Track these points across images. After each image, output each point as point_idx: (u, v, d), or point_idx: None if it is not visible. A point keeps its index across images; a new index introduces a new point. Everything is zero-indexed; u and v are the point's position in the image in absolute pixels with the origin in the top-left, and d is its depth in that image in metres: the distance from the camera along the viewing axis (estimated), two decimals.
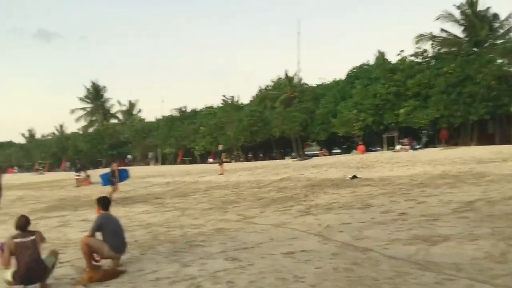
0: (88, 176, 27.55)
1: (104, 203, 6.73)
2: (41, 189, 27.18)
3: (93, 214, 13.15)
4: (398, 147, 33.57)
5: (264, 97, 47.83)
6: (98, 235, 6.54)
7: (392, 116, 34.74)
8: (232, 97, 51.15)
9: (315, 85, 48.42)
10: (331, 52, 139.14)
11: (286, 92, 45.63)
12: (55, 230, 10.50)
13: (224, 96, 51.38)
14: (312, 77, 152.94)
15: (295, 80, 49.10)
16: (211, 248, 7.44)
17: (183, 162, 52.27)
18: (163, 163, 55.09)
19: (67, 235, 9.84)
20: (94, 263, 6.32)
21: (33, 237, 5.68)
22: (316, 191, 14.11)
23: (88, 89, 71.29)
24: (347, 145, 49.10)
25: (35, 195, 22.93)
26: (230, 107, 48.32)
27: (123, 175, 17.49)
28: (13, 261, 5.62)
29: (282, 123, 41.61)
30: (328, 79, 48.45)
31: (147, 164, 56.67)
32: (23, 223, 5.76)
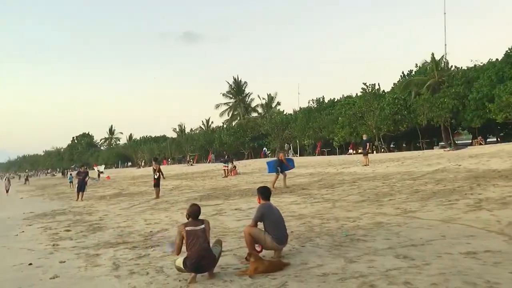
0: (235, 167, 28.70)
1: (264, 193, 6.57)
2: (193, 179, 29.13)
3: (244, 204, 13.50)
4: None
5: (408, 83, 44.88)
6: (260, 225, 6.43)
7: None
8: (373, 85, 48.99)
9: (466, 68, 44.00)
10: (483, 31, 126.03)
11: (433, 77, 42.17)
12: (212, 218, 10.83)
13: (364, 84, 49.38)
14: (462, 60, 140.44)
15: (443, 63, 45.22)
16: (375, 243, 6.86)
17: (321, 153, 51.89)
18: (301, 155, 55.35)
19: (224, 224, 10.07)
20: (256, 253, 6.20)
21: (203, 226, 5.73)
22: (482, 184, 12.54)
23: (230, 85, 75.06)
24: (504, 133, 43.92)
25: (189, 185, 24.58)
26: (370, 95, 46.37)
27: (289, 164, 17.80)
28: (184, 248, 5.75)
29: (429, 110, 38.62)
30: (481, 60, 43.58)
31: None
32: (195, 212, 5.84)
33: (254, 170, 31.69)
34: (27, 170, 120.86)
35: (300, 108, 61.70)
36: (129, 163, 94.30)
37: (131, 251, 7.85)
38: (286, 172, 17.57)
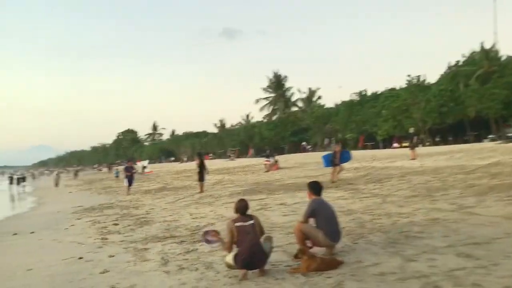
0: (276, 161, 28.50)
1: (315, 187, 6.32)
2: (235, 173, 29.14)
3: (289, 198, 13.26)
4: None
5: (455, 74, 43.20)
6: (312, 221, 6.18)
7: None
8: (418, 76, 47.45)
9: None
10: None
11: (482, 67, 40.41)
12: (258, 213, 10.61)
13: (408, 76, 47.79)
14: None
15: (493, 52, 43.22)
16: (432, 241, 6.48)
17: (365, 147, 50.87)
18: (343, 149, 54.49)
19: (270, 219, 9.87)
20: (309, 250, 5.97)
21: (252, 222, 5.55)
22: None
23: (270, 80, 74.77)
24: None
25: (231, 179, 24.58)
26: (415, 87, 44.99)
27: (345, 157, 17.38)
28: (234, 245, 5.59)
29: (478, 101, 37.04)
30: None
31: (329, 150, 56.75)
32: (243, 207, 5.67)
33: (296, 164, 31.34)
34: (75, 166, 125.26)
35: (342, 102, 60.70)
36: (172, 158, 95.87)
37: (179, 245, 7.79)
38: (342, 165, 17.12)
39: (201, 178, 18.73)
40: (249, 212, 5.82)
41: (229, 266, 5.57)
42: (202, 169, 18.79)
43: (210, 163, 46.37)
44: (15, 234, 11.36)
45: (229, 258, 5.52)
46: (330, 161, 16.98)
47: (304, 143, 62.35)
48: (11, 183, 38.61)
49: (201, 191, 18.25)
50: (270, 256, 5.69)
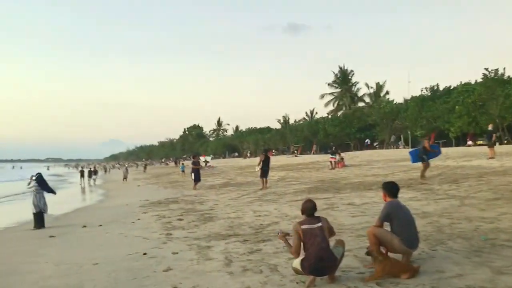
0: (342, 158, 27.69)
1: (391, 189, 5.76)
2: (298, 170, 28.68)
3: (357, 198, 12.66)
4: None
5: None
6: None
7: None
8: (496, 69, 44.14)
9: None
10: None
11: None
12: (324, 213, 10.19)
13: (485, 69, 44.54)
14: None
15: None
16: None
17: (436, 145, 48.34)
18: (413, 146, 52.21)
19: (337, 219, 9.37)
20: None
21: (320, 224, 5.14)
22: None
23: (336, 74, 73.31)
24: None
25: (295, 176, 24.16)
26: (493, 81, 41.95)
27: (434, 152, 16.51)
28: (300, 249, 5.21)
29: None
30: None
31: (396, 147, 54.67)
32: (310, 208, 5.27)
33: (363, 162, 30.32)
34: (144, 160, 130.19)
35: (412, 97, 58.12)
36: (236, 154, 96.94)
37: (243, 244, 7.53)
38: (430, 160, 16.21)
39: (263, 174, 18.69)
40: (317, 213, 5.41)
41: (296, 271, 5.21)
42: (265, 165, 18.74)
43: (273, 159, 46.26)
44: (84, 226, 11.67)
45: (296, 263, 5.15)
46: (418, 157, 16.11)
47: (367, 140, 60.47)
48: (82, 176, 40.50)
49: (264, 187, 18.09)
50: (341, 262, 5.26)
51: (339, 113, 71.49)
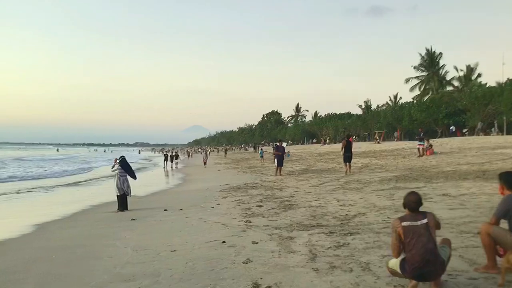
0: (431, 145, 25.85)
1: (511, 180, 4.81)
2: (382, 157, 27.25)
3: (452, 189, 11.46)
4: None
5: None
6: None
7: None
8: None
9: None
10: None
11: None
12: None
13: None
14: None
15: None
16: None
17: None
18: (508, 133, 47.97)
19: (433, 212, 8.38)
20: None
21: (425, 220, 4.35)
22: None
23: (422, 57, 69.07)
24: None
25: (379, 163, 22.93)
26: None
27: None
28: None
29: None
30: None
31: (487, 134, 50.58)
32: (414, 202, 4.49)
33: (453, 149, 28.13)
34: (224, 145, 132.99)
35: (508, 80, 53.25)
36: (314, 140, 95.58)
37: (328, 237, 6.88)
38: None
39: (346, 159, 18.80)
40: (422, 208, 4.63)
41: (393, 273, 4.48)
42: (347, 151, 18.90)
43: (355, 146, 44.75)
44: (166, 210, 11.65)
45: (394, 263, 4.43)
46: None
47: (452, 127, 56.44)
48: (166, 160, 41.78)
49: (348, 171, 18.14)
50: (447, 265, 4.46)
51: (426, 98, 67.43)
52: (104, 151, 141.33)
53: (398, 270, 4.35)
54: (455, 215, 7.99)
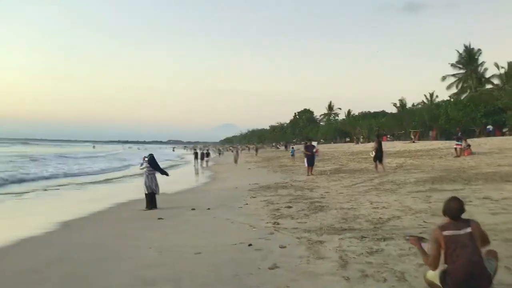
0: (469, 145, 24.84)
1: None
2: (417, 157, 26.39)
3: (494, 191, 10.79)
4: None
5: None
6: None
7: None
8: None
9: None
10: None
11: None
12: None
13: None
14: None
15: None
16: None
17: None
18: None
19: (474, 216, 7.75)
20: None
21: (469, 230, 3.94)
22: None
23: (460, 54, 66.84)
24: None
25: (414, 164, 22.17)
26: None
27: None
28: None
29: None
30: None
31: None
32: (456, 209, 4.09)
33: (492, 150, 26.96)
34: (255, 143, 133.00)
35: None
36: (347, 139, 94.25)
37: (360, 242, 6.50)
38: None
39: (376, 159, 19.11)
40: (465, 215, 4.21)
41: (432, 285, 4.09)
42: (379, 151, 19.13)
43: (389, 145, 43.75)
44: (193, 209, 11.46)
45: (433, 275, 4.04)
46: None
47: (489, 126, 54.34)
48: (196, 158, 41.83)
49: (383, 170, 18.35)
50: (494, 278, 4.03)
51: (463, 96, 65.27)
52: (138, 149, 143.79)
53: (438, 283, 3.96)
54: (498, 221, 7.45)
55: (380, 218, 8.41)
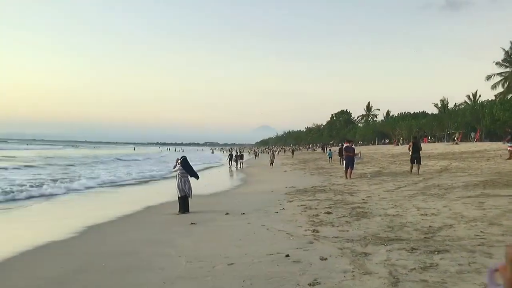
0: None
1: None
2: (463, 159, 25.07)
3: None
4: None
5: None
6: None
7: None
8: None
9: None
10: None
11: None
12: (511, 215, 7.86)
13: None
14: None
15: None
16: None
17: None
18: None
19: None
20: None
21: None
22: None
23: (506, 52, 63.82)
24: None
25: (460, 166, 20.99)
26: None
27: None
28: None
29: None
30: None
31: None
32: None
33: None
34: (291, 145, 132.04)
35: None
36: (387, 140, 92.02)
37: (410, 254, 5.82)
38: None
39: (413, 161, 19.05)
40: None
41: None
42: (414, 152, 18.91)
43: (430, 147, 42.11)
44: (227, 213, 11.00)
45: None
46: None
47: None
48: (231, 159, 41.48)
49: (416, 172, 18.35)
50: None
51: (510, 96, 62.31)
52: (174, 150, 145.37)
53: None
54: None
55: (430, 226, 7.65)
